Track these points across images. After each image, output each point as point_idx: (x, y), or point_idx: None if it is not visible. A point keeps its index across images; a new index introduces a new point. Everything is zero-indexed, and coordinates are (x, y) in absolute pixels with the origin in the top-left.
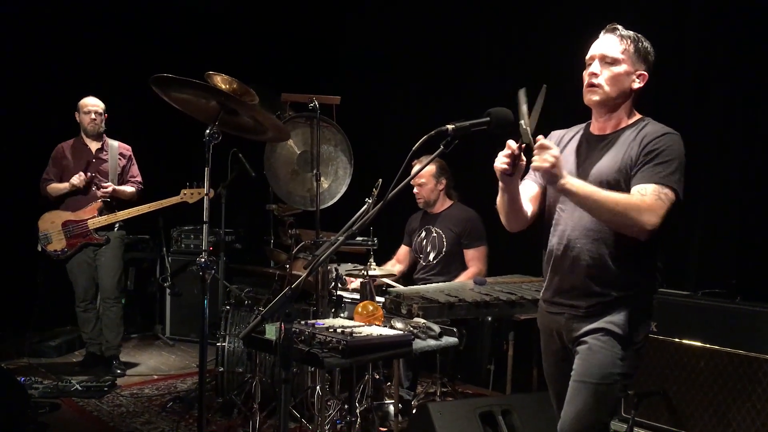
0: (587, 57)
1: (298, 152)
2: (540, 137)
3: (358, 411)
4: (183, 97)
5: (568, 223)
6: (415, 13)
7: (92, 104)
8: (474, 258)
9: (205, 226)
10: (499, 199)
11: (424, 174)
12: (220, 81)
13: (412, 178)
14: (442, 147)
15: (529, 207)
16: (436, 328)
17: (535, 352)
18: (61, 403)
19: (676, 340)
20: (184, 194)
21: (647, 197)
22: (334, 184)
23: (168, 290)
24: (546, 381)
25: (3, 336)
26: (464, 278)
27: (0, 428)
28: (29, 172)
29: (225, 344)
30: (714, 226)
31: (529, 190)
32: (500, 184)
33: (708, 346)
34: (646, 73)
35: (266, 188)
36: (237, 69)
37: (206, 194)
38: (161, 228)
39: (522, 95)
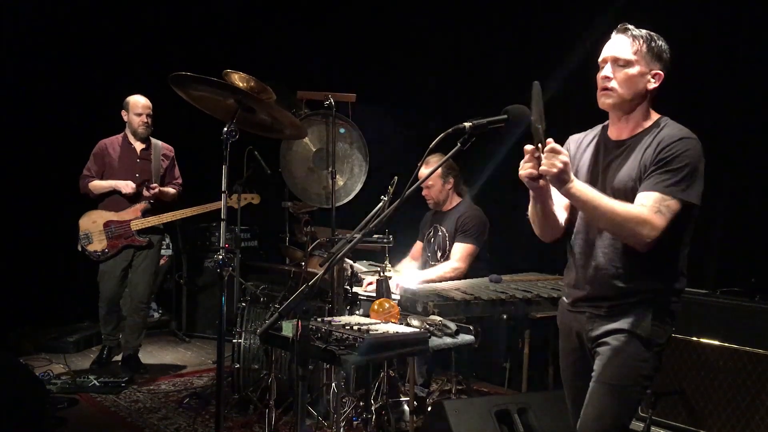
0: (599, 60)
1: (314, 150)
2: (550, 140)
3: (373, 408)
4: (201, 95)
5: (590, 230)
6: (431, 10)
7: (143, 105)
8: (456, 252)
9: (222, 224)
10: (531, 208)
11: (431, 176)
12: (238, 79)
13: (422, 182)
14: (459, 145)
15: (562, 215)
16: (452, 325)
17: (551, 350)
18: (79, 399)
19: (695, 339)
20: (231, 199)
21: (645, 209)
22: (349, 181)
23: (184, 287)
24: (561, 380)
25: (23, 332)
26: (438, 271)
27: (20, 423)
28: (55, 169)
29: (241, 341)
30: (733, 224)
31: (561, 198)
32: (531, 193)
33: (726, 345)
34: (661, 72)
35: (282, 186)
36: (254, 67)
37: (223, 191)
38: (178, 226)
39: (536, 89)
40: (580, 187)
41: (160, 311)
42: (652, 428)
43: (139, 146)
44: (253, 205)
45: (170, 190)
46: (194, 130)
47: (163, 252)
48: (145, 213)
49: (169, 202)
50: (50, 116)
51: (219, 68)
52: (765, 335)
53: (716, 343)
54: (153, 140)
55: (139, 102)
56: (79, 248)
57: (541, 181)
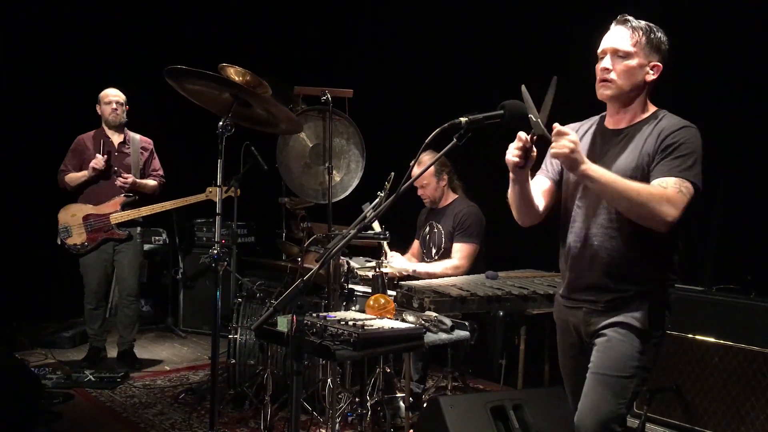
0: (599, 51)
1: (311, 145)
2: (556, 125)
3: (369, 404)
4: (196, 89)
5: (585, 219)
6: (429, 5)
7: (113, 95)
8: (458, 251)
9: (217, 219)
10: (510, 192)
11: (425, 175)
12: (234, 73)
13: (413, 181)
14: (455, 140)
15: (541, 201)
16: (448, 321)
17: (547, 346)
18: (75, 394)
19: (690, 335)
20: (210, 192)
21: (668, 190)
22: (346, 177)
23: (180, 283)
24: (562, 375)
25: (18, 327)
26: (440, 266)
27: (15, 417)
28: (50, 164)
29: (237, 336)
30: (730, 221)
31: (541, 185)
32: (511, 176)
33: (722, 342)
34: (659, 63)
35: (278, 181)
36: (250, 61)
37: (218, 185)
38: (174, 221)
39: (525, 91)
40: (595, 167)
41: (148, 305)
42: (647, 425)
43: (116, 139)
44: (243, 200)
45: (150, 182)
46: (180, 123)
47: (157, 247)
48: (125, 206)
49: (151, 195)
50: (44, 111)
51: (215, 62)
52: (760, 332)
53: (712, 340)
54: (131, 134)
55: (109, 92)
56: (59, 242)
57: (524, 169)
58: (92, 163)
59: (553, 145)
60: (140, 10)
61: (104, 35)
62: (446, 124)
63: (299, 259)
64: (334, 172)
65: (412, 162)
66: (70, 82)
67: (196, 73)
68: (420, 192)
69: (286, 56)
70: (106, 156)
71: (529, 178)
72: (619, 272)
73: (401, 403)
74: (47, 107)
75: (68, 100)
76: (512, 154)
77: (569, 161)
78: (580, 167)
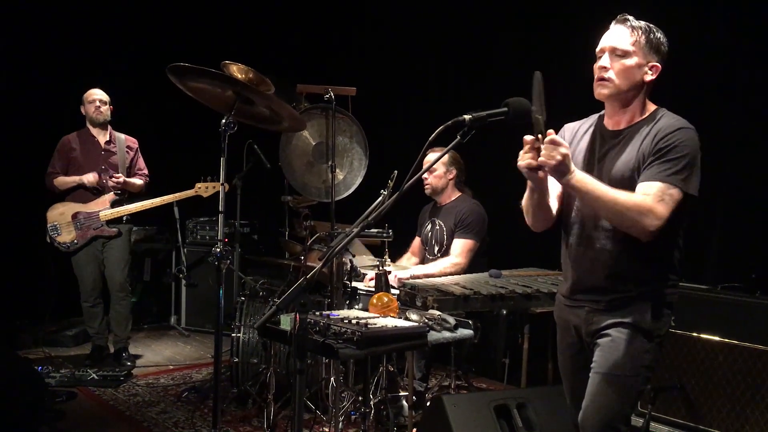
0: (597, 50)
1: (314, 144)
2: (551, 131)
3: (372, 403)
4: (199, 87)
5: (586, 221)
6: (432, 3)
7: (96, 93)
8: (457, 247)
9: (220, 217)
10: (526, 199)
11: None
12: (237, 70)
13: (428, 168)
14: (459, 137)
15: (555, 205)
16: (451, 320)
17: (551, 345)
18: (78, 392)
19: (695, 334)
20: (199, 188)
21: (649, 198)
22: (349, 175)
23: (183, 281)
24: (560, 374)
25: (21, 326)
26: (438, 266)
27: (19, 416)
28: (43, 163)
29: (240, 335)
30: (734, 219)
31: (554, 189)
32: (529, 183)
33: (726, 340)
34: (658, 64)
35: (281, 180)
36: (253, 59)
37: (222, 184)
38: (177, 219)
39: (537, 79)
40: (580, 177)
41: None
42: (652, 424)
43: (102, 139)
44: (246, 198)
45: (136, 181)
46: (173, 119)
47: (160, 246)
48: (114, 204)
49: (137, 193)
50: (44, 111)
51: (218, 60)
52: (765, 331)
53: (716, 338)
54: (116, 133)
55: (92, 92)
56: (48, 240)
57: (540, 173)
58: (86, 178)
59: (542, 153)
60: (142, 9)
61: (99, 32)
62: (450, 122)
63: (302, 257)
64: (337, 170)
65: (419, 157)
66: (63, 81)
67: (199, 70)
68: (425, 176)
69: (290, 54)
70: (103, 176)
71: (548, 184)
72: (621, 274)
73: (404, 402)
74: (38, 107)
75: (59, 98)
76: (523, 159)
77: (555, 171)
78: (565, 176)
